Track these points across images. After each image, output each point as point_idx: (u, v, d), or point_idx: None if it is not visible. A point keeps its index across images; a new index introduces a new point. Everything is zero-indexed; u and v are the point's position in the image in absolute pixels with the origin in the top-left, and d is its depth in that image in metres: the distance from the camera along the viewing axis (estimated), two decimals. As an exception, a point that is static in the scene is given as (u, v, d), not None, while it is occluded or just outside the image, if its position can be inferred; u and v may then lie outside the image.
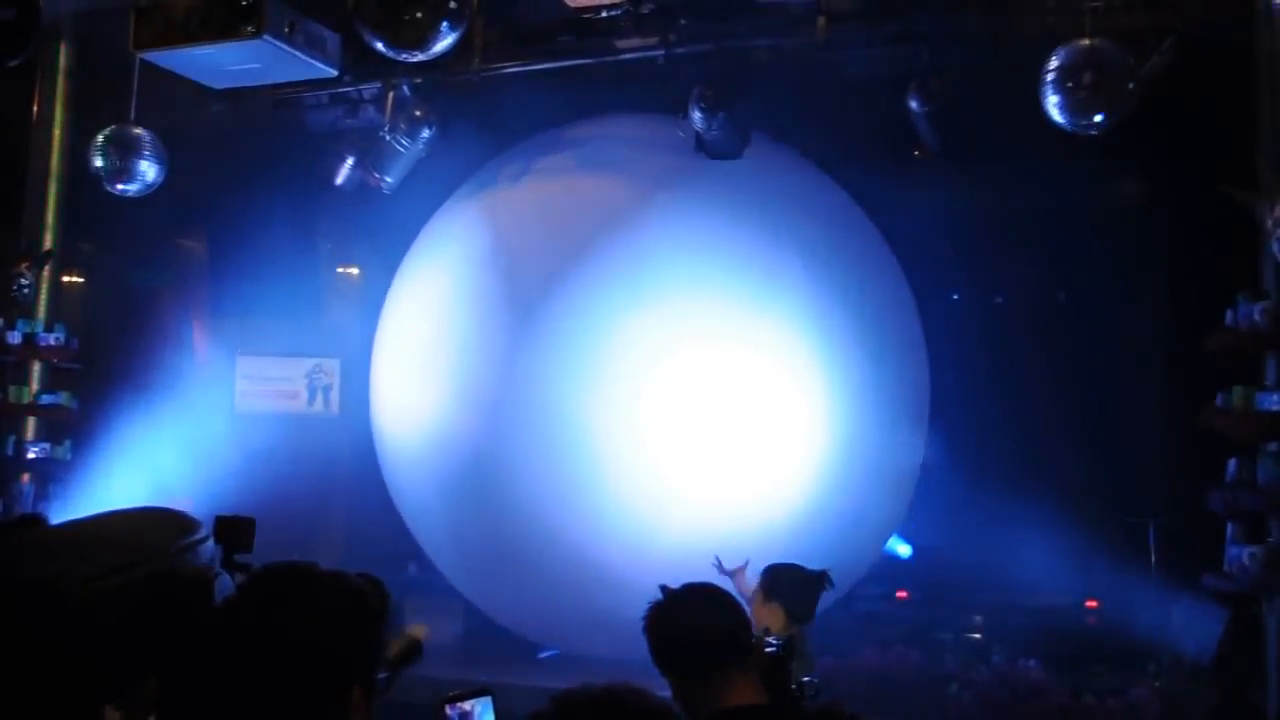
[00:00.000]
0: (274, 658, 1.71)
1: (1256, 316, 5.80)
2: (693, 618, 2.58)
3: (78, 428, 8.02)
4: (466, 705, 2.07)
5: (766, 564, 4.47)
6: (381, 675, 2.11)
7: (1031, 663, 6.67)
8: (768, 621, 4.31)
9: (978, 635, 8.04)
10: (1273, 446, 5.83)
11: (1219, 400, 6.00)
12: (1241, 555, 5.74)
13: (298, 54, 6.05)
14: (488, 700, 2.10)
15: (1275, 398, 5.72)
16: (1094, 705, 6.25)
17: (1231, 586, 5.84)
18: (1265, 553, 5.69)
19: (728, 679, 2.49)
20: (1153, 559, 7.37)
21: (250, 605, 1.77)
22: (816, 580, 4.45)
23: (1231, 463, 5.95)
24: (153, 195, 7.72)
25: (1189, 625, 6.46)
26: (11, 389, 7.58)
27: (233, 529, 2.05)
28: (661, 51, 6.76)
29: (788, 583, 4.39)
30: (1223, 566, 5.90)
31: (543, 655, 8.21)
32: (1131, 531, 7.69)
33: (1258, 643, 5.86)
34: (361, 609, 1.80)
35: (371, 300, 10.05)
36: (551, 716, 1.56)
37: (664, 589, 2.68)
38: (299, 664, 1.72)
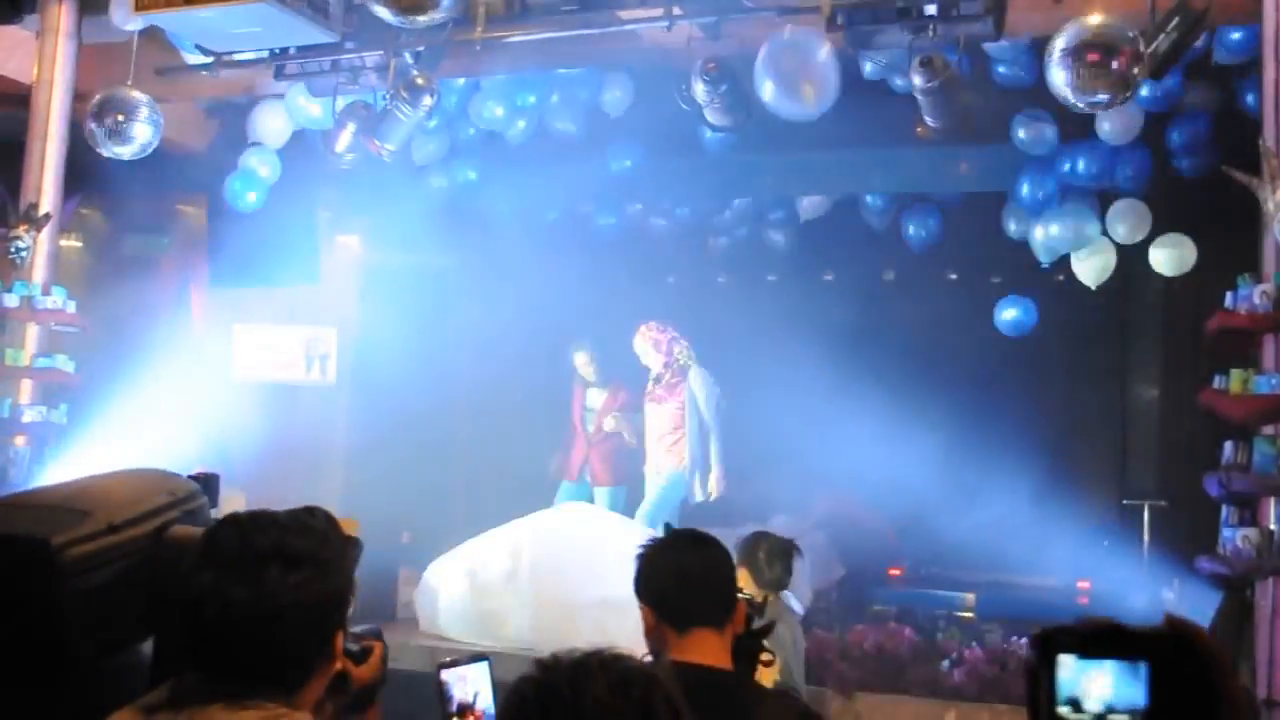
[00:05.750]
0: (251, 601, 1.74)
1: (1256, 299, 5.78)
2: (690, 564, 2.60)
3: (74, 391, 8.00)
4: (463, 670, 2.08)
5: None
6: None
7: (1023, 640, 6.70)
8: (741, 585, 4.37)
9: (970, 614, 8.07)
10: (1268, 429, 5.83)
11: (1216, 382, 5.99)
12: (1235, 538, 5.75)
13: (300, 18, 6.01)
14: (484, 665, 2.11)
15: (1273, 380, 5.71)
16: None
17: (1225, 569, 5.85)
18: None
19: (703, 634, 2.52)
20: (1146, 540, 7.39)
21: (216, 551, 1.80)
22: (785, 549, 4.55)
23: (1227, 445, 5.94)
24: (153, 159, 7.68)
25: (1181, 606, 6.48)
26: (8, 352, 7.55)
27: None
28: (666, 22, 6.70)
29: (757, 551, 4.48)
30: (1217, 549, 5.91)
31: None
32: (1127, 513, 7.71)
33: (1248, 624, 5.88)
34: (334, 542, 1.84)
35: (370, 270, 10.02)
36: (538, 681, 1.56)
37: (668, 527, 2.77)
38: (276, 608, 1.75)
